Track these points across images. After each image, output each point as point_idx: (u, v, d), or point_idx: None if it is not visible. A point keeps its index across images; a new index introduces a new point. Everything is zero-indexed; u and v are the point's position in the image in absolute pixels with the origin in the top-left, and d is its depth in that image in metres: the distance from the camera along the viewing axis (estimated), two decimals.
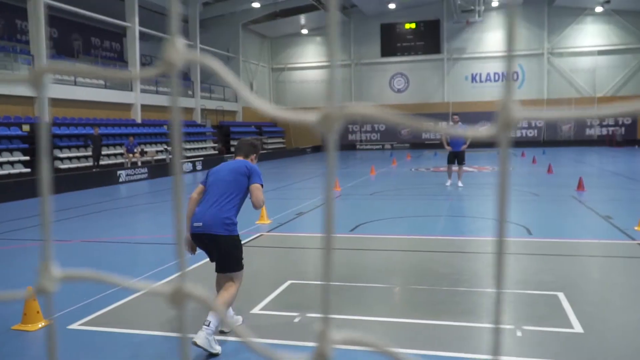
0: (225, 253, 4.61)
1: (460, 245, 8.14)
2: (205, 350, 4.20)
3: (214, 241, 4.56)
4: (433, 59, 41.16)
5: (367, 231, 9.31)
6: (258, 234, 9.12)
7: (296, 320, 5.07)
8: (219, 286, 4.74)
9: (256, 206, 4.81)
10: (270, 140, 40.34)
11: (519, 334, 4.63)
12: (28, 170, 18.77)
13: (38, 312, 4.98)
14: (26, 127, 19.63)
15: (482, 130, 0.47)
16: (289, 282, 6.31)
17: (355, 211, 11.62)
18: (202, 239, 4.61)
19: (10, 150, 18.71)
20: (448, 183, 15.47)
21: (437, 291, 5.82)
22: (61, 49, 27.39)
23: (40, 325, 4.92)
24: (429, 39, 40.74)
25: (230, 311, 4.88)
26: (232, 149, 34.42)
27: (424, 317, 5.10)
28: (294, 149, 39.55)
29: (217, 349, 4.26)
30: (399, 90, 42.50)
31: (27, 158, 19.10)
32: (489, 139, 0.50)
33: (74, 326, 4.97)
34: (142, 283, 0.56)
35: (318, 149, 42.21)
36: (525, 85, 40.09)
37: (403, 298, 5.88)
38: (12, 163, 18.55)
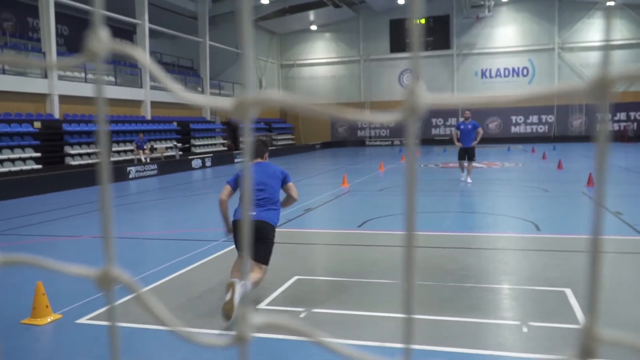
0: (264, 240, 5.20)
1: (468, 241, 8.12)
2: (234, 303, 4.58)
3: (260, 229, 5.17)
4: (443, 54, 40.95)
5: (374, 227, 9.31)
6: None
7: (302, 315, 5.09)
8: (236, 270, 5.08)
9: (296, 200, 5.68)
10: (279, 137, 40.39)
11: (525, 330, 4.63)
12: (39, 166, 18.95)
13: (47, 306, 5.04)
14: (37, 124, 19.79)
15: (388, 115, 0.48)
16: (295, 277, 6.34)
17: (364, 207, 11.63)
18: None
19: (22, 147, 18.90)
20: (463, 177, 15.50)
21: (443, 287, 5.82)
22: (72, 46, 27.56)
23: (49, 320, 4.98)
24: (438, 34, 40.53)
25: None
26: (242, 146, 34.46)
27: (430, 312, 5.10)
28: (303, 145, 39.56)
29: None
30: None
31: (39, 155, 19.28)
32: (398, 122, 0.51)
33: (82, 320, 5.02)
34: (71, 266, 0.58)
35: (327, 145, 42.21)
36: (535, 80, 39.81)
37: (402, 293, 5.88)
38: (24, 159, 18.74)
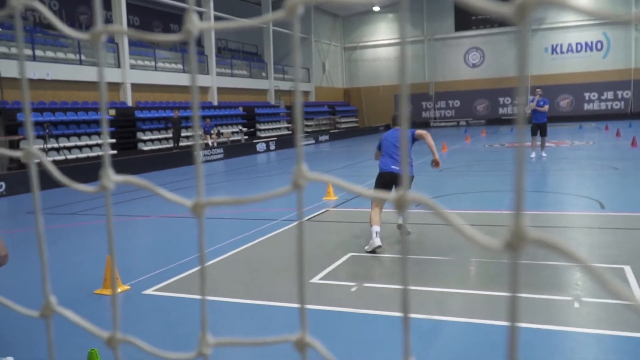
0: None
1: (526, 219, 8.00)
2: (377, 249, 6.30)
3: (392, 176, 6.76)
4: (510, 31, 39.51)
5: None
6: (324, 210, 9.36)
7: (353, 289, 5.26)
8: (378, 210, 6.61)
9: (430, 141, 6.83)
10: (343, 120, 40.47)
11: (576, 305, 4.60)
12: (114, 152, 20.00)
13: (117, 278, 5.46)
14: (112, 112, 20.85)
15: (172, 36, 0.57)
16: (350, 254, 6.51)
17: (422, 187, 11.60)
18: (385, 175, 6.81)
19: (99, 134, 19.98)
20: (532, 155, 15.80)
21: (496, 264, 5.82)
22: None
23: (118, 290, 5.40)
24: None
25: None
26: (306, 129, 34.90)
27: (482, 288, 5.15)
28: (367, 128, 39.48)
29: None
30: (474, 65, 41.23)
31: (114, 141, 20.34)
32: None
33: (149, 292, 5.41)
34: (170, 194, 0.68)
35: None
36: (610, 54, 37.75)
37: (462, 270, 5.92)
38: (100, 145, 19.82)
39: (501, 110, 40.79)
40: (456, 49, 41.37)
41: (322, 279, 5.64)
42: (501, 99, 40.70)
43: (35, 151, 0.64)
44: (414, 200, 0.49)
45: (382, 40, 43.35)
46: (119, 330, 0.63)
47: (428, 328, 4.30)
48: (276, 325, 4.57)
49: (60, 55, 20.22)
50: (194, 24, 0.54)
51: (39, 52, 19.20)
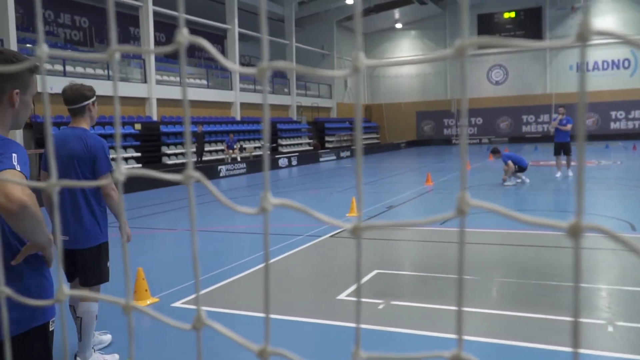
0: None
1: (550, 239, 7.89)
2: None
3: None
4: (533, 49, 39.36)
5: (456, 225, 9.24)
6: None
7: (380, 307, 5.24)
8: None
9: None
10: (364, 136, 40.52)
11: (610, 329, 4.51)
12: (139, 165, 20.27)
13: (146, 290, 5.52)
14: (138, 126, 21.18)
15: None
16: (375, 271, 6.48)
17: (446, 205, 11.54)
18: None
19: (125, 147, 20.31)
20: (558, 174, 15.73)
21: (525, 284, 5.75)
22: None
23: (148, 302, 5.45)
24: (529, 27, 38.99)
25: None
26: (327, 145, 35.00)
27: (511, 309, 5.09)
28: (389, 144, 39.45)
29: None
30: (497, 83, 41.05)
31: (139, 154, 20.63)
32: None
33: (177, 304, 5.45)
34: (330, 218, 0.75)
35: (413, 143, 41.82)
36: (638, 72, 37.29)
37: (489, 290, 5.86)
38: (126, 159, 20.13)
39: (524, 129, 40.46)
40: (479, 65, 41.26)
41: (347, 296, 5.62)
42: (524, 117, 40.40)
43: (195, 173, 0.67)
44: (588, 227, 0.50)
45: (404, 56, 43.44)
46: (269, 344, 0.66)
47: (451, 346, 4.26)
48: (303, 340, 4.57)
49: (90, 70, 20.66)
50: (269, 64, 0.58)
51: (69, 68, 19.63)
